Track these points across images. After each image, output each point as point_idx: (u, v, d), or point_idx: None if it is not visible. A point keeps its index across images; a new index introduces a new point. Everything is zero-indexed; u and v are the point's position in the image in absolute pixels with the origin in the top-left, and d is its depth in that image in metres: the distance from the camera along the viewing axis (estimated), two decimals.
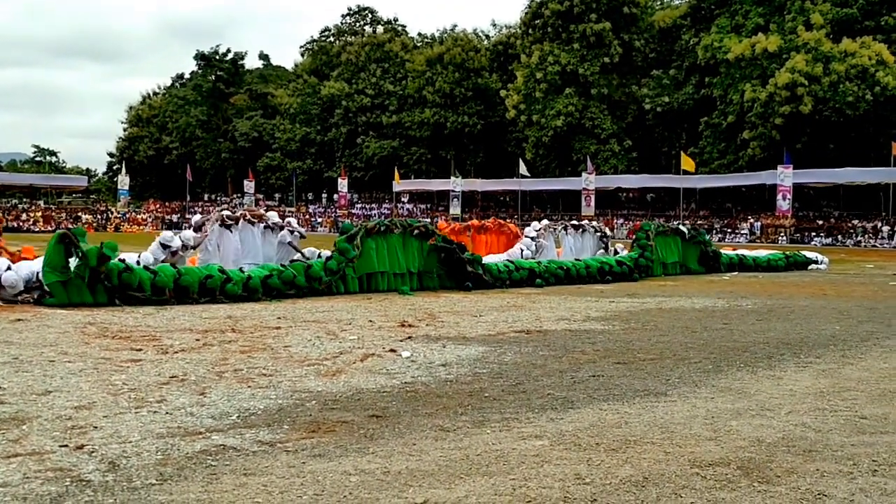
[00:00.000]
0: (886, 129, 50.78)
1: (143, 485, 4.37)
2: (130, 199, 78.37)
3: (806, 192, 55.25)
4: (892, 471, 4.77)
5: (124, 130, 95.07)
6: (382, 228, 16.08)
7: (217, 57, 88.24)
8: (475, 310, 12.95)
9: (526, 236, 20.27)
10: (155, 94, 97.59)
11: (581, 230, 21.51)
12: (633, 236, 22.05)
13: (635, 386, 7.10)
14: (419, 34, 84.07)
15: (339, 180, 72.98)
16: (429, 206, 73.49)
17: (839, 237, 50.47)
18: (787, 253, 26.00)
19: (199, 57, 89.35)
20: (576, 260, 19.56)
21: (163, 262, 13.76)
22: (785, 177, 51.16)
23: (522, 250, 19.57)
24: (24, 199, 74.23)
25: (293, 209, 72.29)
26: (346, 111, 75.85)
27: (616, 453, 5.05)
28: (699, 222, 52.68)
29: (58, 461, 4.72)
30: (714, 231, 52.40)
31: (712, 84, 56.22)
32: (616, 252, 21.93)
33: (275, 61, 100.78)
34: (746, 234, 53.58)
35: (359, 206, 75.43)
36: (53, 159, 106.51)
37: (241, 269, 14.20)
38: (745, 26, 55.41)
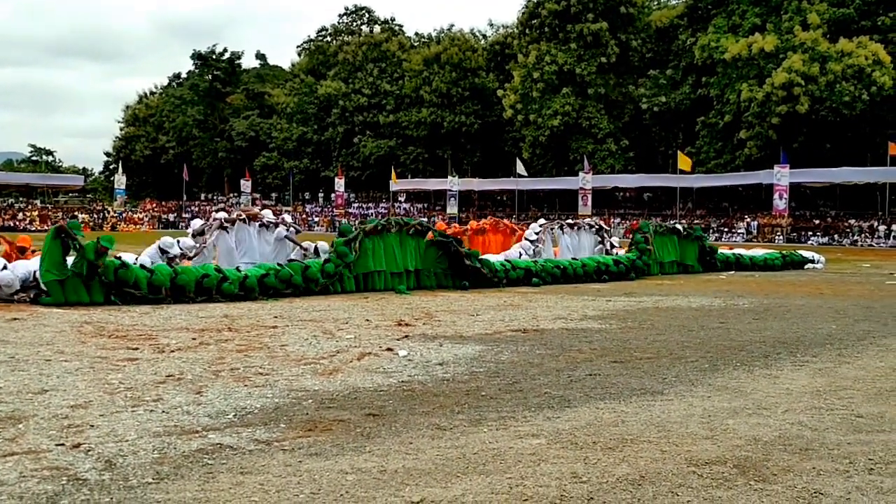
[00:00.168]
0: (883, 129, 50.81)
1: (139, 483, 4.36)
2: (127, 198, 78.17)
3: (802, 192, 55.27)
4: (889, 469, 4.78)
5: (121, 130, 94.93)
6: (379, 228, 16.09)
7: (214, 56, 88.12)
8: (472, 309, 12.95)
9: (526, 239, 20.24)
10: (152, 93, 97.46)
11: (577, 228, 21.50)
12: (630, 235, 22.06)
13: (632, 385, 7.10)
14: (416, 34, 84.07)
15: (336, 180, 72.91)
16: (426, 205, 73.45)
17: (835, 236, 50.51)
18: (784, 252, 26.03)
19: (196, 56, 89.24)
20: (573, 259, 19.57)
21: None
22: (781, 176, 51.17)
23: (521, 253, 19.56)
24: (21, 199, 74.05)
25: (290, 208, 72.18)
26: (343, 111, 75.79)
27: (613, 452, 5.05)
28: (696, 222, 52.65)
29: (54, 460, 4.71)
30: (711, 230, 52.37)
31: (709, 84, 56.22)
32: (612, 245, 21.96)
33: (272, 61, 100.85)
34: (743, 233, 53.61)
35: (355, 205, 75.34)
36: (50, 159, 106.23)
37: (237, 269, 14.20)
38: (742, 26, 55.40)
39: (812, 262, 25.93)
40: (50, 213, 66.24)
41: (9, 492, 4.18)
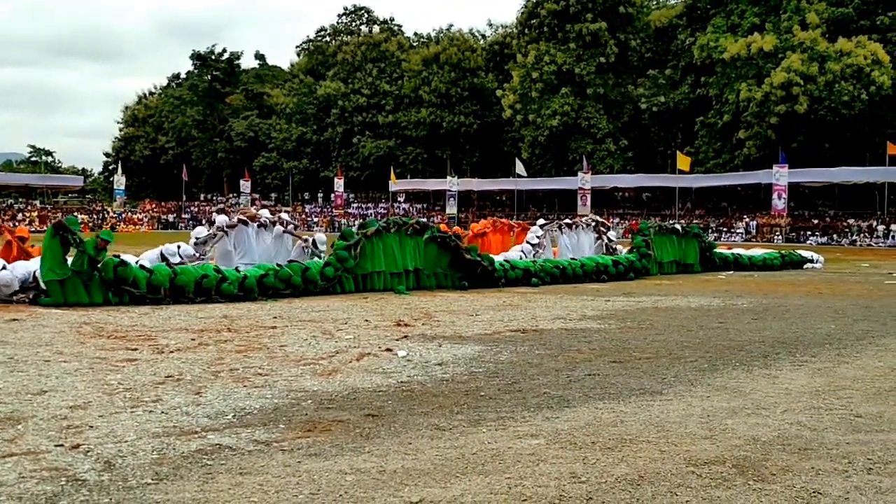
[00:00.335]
0: (881, 129, 50.84)
1: (138, 484, 4.37)
2: (126, 198, 78.12)
3: (801, 192, 55.28)
4: (887, 469, 4.78)
5: (120, 130, 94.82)
6: (380, 230, 16.08)
7: (213, 57, 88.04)
8: (471, 309, 12.95)
9: (528, 242, 20.22)
10: (151, 93, 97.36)
11: (575, 227, 21.47)
12: (629, 235, 22.06)
13: (631, 385, 7.10)
14: (415, 34, 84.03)
15: (336, 180, 72.89)
16: (425, 205, 73.43)
17: (834, 236, 50.53)
18: (783, 252, 26.04)
19: (195, 57, 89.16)
20: (572, 259, 19.57)
21: None
22: (780, 176, 51.19)
23: (522, 256, 19.55)
24: (20, 199, 74.03)
25: (289, 209, 72.12)
26: (343, 111, 75.77)
27: (612, 452, 5.06)
28: (695, 221, 52.59)
29: (53, 461, 4.72)
30: (710, 230, 52.36)
31: (708, 83, 56.25)
32: (610, 241, 21.99)
33: (271, 61, 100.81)
34: (742, 233, 53.63)
35: (355, 205, 75.34)
36: (49, 159, 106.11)
37: (236, 269, 14.21)
38: (741, 26, 55.43)
39: (811, 261, 25.93)
40: (49, 213, 66.19)
41: (8, 493, 4.18)
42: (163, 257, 14.26)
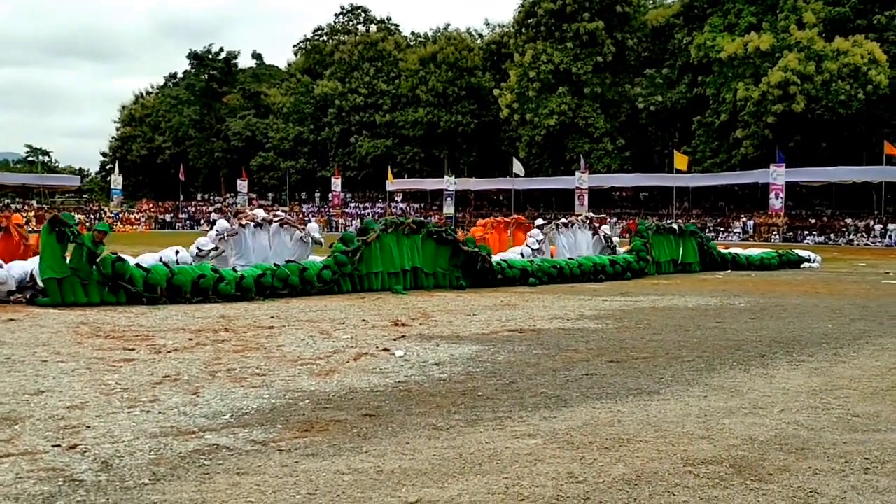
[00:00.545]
0: (879, 128, 50.88)
1: (135, 484, 4.36)
2: (123, 198, 78.03)
3: (798, 191, 55.30)
4: (884, 468, 4.79)
5: (117, 130, 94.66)
6: (379, 234, 16.06)
7: (210, 56, 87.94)
8: (468, 309, 12.96)
9: (527, 245, 20.21)
10: (148, 93, 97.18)
11: (572, 226, 21.45)
12: (626, 234, 22.06)
13: (628, 384, 7.11)
14: (412, 33, 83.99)
15: (333, 179, 72.81)
16: (422, 205, 73.37)
17: (832, 235, 50.55)
18: (780, 251, 26.04)
19: (192, 56, 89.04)
20: (569, 259, 19.58)
21: None
22: (777, 175, 51.21)
23: (522, 255, 19.54)
24: (17, 199, 73.92)
25: (286, 208, 72.05)
26: (340, 110, 75.69)
27: (609, 452, 5.06)
28: (692, 221, 52.53)
29: (50, 461, 4.71)
30: (707, 229, 52.36)
31: (705, 83, 56.27)
32: (609, 238, 22.03)
33: (269, 60, 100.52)
34: (739, 232, 53.64)
35: (352, 205, 75.27)
36: (46, 159, 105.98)
37: (233, 269, 14.20)
38: (738, 25, 55.47)
39: (808, 261, 25.94)
40: (46, 213, 66.05)
41: (5, 493, 4.17)
42: (163, 264, 14.23)
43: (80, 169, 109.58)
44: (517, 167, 61.70)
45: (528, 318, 11.83)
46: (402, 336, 9.78)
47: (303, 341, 9.23)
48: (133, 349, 8.49)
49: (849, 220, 51.78)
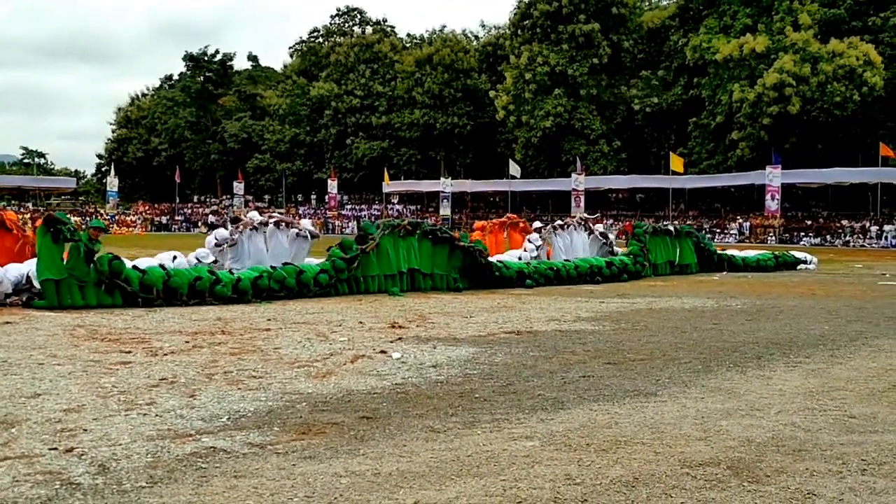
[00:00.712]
0: (874, 130, 50.97)
1: (132, 487, 4.36)
2: (119, 200, 78.02)
3: (794, 193, 55.39)
4: (881, 470, 4.79)
5: (113, 132, 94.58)
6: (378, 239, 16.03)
7: (205, 58, 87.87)
8: (465, 311, 12.96)
9: (525, 250, 20.20)
10: (143, 95, 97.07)
11: (567, 227, 21.46)
12: (623, 236, 22.08)
13: (625, 386, 7.11)
14: (408, 35, 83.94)
15: (329, 181, 72.78)
16: (419, 207, 73.38)
17: (828, 237, 50.64)
18: (776, 253, 26.07)
19: (188, 58, 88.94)
20: (566, 261, 19.59)
21: None
22: (773, 177, 51.29)
23: (521, 258, 19.53)
24: (13, 202, 73.81)
25: (283, 210, 72.05)
26: (336, 112, 75.66)
27: (606, 454, 5.06)
28: (688, 222, 52.69)
29: (47, 464, 4.70)
30: (703, 231, 52.43)
31: (701, 84, 56.36)
32: (606, 237, 22.05)
33: (264, 62, 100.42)
34: (735, 234, 53.72)
35: (348, 207, 75.27)
36: (42, 161, 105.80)
37: (230, 272, 14.19)
38: (734, 27, 55.54)
39: (804, 262, 25.98)
40: (42, 215, 66.01)
41: (2, 497, 4.16)
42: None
43: (76, 171, 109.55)
44: (513, 169, 61.75)
45: (525, 319, 11.83)
46: (399, 338, 9.78)
47: (300, 343, 9.22)
48: (130, 352, 8.48)
49: (845, 222, 51.87)
